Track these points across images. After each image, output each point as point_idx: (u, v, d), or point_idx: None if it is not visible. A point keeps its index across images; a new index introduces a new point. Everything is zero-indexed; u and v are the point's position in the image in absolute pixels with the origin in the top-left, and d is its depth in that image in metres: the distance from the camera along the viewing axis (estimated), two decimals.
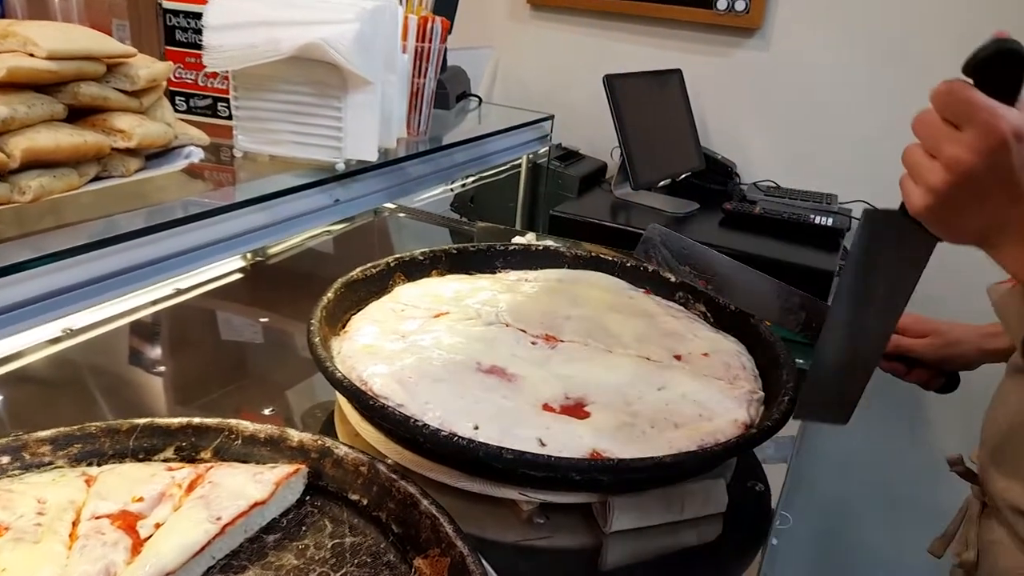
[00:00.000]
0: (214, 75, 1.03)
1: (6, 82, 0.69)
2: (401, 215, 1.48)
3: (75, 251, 0.68)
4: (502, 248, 0.99)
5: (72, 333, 0.87)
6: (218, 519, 0.51)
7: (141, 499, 0.53)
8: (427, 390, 0.66)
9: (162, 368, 0.90)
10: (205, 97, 1.06)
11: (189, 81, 1.05)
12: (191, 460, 0.60)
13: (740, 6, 1.66)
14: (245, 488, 0.54)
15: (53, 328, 0.85)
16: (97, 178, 0.78)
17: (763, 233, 1.43)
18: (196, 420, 0.62)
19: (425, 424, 0.60)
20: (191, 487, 0.55)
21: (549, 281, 0.93)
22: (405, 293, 0.87)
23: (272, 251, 1.21)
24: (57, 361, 0.84)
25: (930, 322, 0.80)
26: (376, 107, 0.96)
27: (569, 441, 0.62)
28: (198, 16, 0.96)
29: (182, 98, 1.06)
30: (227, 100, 1.02)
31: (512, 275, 0.96)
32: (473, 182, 1.68)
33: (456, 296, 0.87)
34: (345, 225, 1.37)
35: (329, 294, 0.78)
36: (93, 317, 0.89)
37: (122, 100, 0.80)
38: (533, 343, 0.78)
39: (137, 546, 0.50)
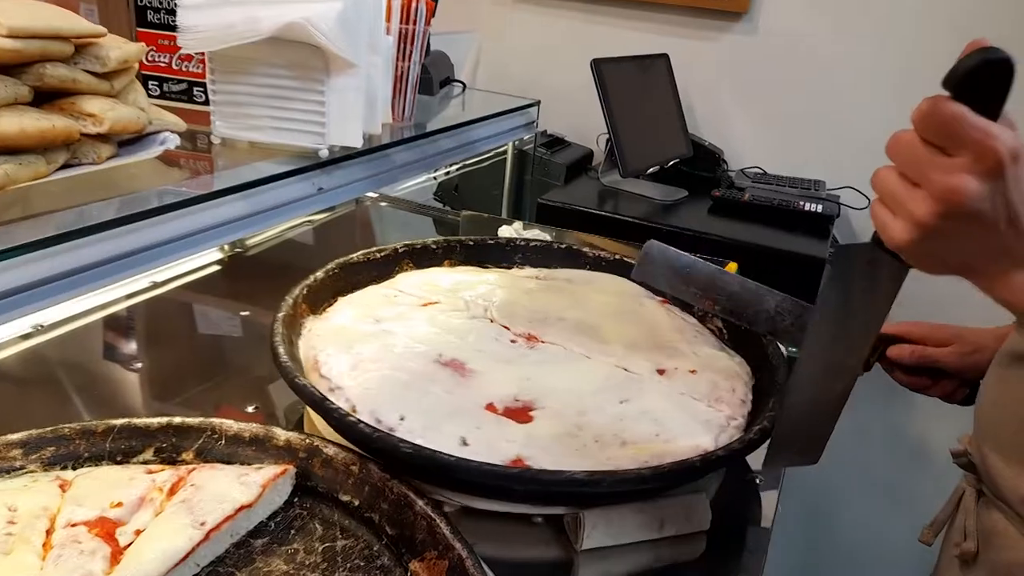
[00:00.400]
0: (189, 58, 0.99)
1: None
2: (383, 204, 1.46)
3: (44, 243, 0.65)
4: (522, 243, 0.97)
5: (43, 329, 0.85)
6: (202, 524, 0.50)
7: (120, 504, 0.51)
8: (373, 377, 0.64)
9: (139, 365, 0.87)
10: (180, 81, 1.02)
11: (163, 64, 1.01)
12: (172, 462, 0.58)
13: None
14: (230, 490, 0.52)
15: (23, 324, 0.83)
16: (66, 165, 0.75)
17: (753, 220, 1.43)
18: (177, 420, 0.60)
19: (337, 408, 0.58)
20: (173, 491, 0.53)
21: (558, 280, 0.91)
22: (405, 280, 0.86)
23: (252, 242, 1.18)
24: (28, 359, 0.82)
25: (948, 328, 0.75)
26: (361, 90, 0.94)
27: (495, 444, 0.59)
28: None
29: (155, 83, 1.02)
30: (203, 84, 0.98)
31: (527, 271, 0.94)
32: (457, 170, 1.66)
33: (454, 287, 0.85)
34: (327, 215, 1.34)
35: (319, 273, 0.78)
36: (65, 312, 0.87)
37: (92, 83, 0.76)
38: (512, 341, 0.76)
39: (116, 555, 0.48)
